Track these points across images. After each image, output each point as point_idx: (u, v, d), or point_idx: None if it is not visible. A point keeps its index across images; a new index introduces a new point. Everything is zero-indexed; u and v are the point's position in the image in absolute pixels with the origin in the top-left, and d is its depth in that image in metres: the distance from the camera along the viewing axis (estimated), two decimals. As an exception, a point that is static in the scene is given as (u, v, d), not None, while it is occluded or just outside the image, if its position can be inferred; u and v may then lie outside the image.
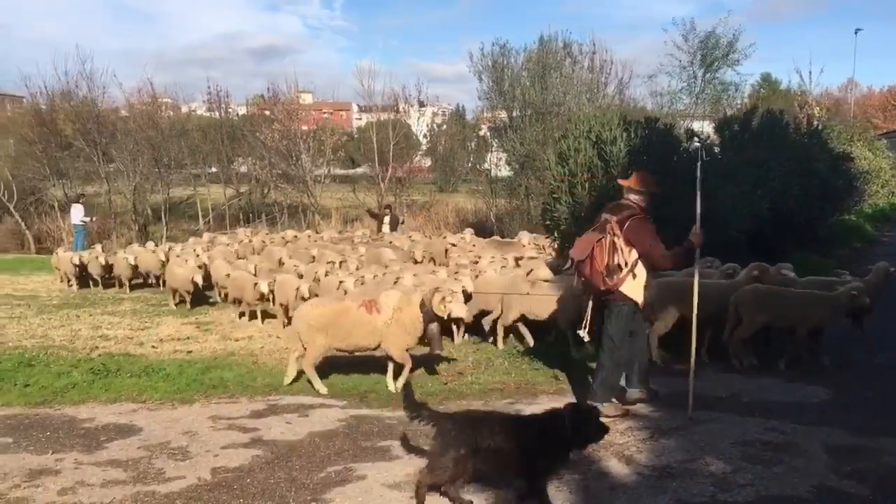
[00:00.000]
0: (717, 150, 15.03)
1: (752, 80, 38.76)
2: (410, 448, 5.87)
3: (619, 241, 6.39)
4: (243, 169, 33.76)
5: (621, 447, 5.89)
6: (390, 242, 15.10)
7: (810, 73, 39.24)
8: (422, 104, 38.45)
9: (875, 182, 22.49)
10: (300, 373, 7.76)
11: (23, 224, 28.71)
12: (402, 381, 7.20)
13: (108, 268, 16.11)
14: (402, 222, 21.38)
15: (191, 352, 9.74)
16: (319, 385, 7.53)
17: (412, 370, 7.62)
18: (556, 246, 10.64)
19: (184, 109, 40.85)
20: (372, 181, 31.65)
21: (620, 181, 6.71)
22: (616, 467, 5.47)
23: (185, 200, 34.03)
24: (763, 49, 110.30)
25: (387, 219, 20.66)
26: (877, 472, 5.33)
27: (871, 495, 4.92)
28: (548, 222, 10.75)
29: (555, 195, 10.46)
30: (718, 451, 5.76)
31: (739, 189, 13.15)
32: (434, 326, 7.48)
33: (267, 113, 33.97)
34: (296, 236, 16.73)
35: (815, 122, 16.65)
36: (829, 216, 15.52)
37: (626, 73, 32.56)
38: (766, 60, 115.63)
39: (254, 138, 32.37)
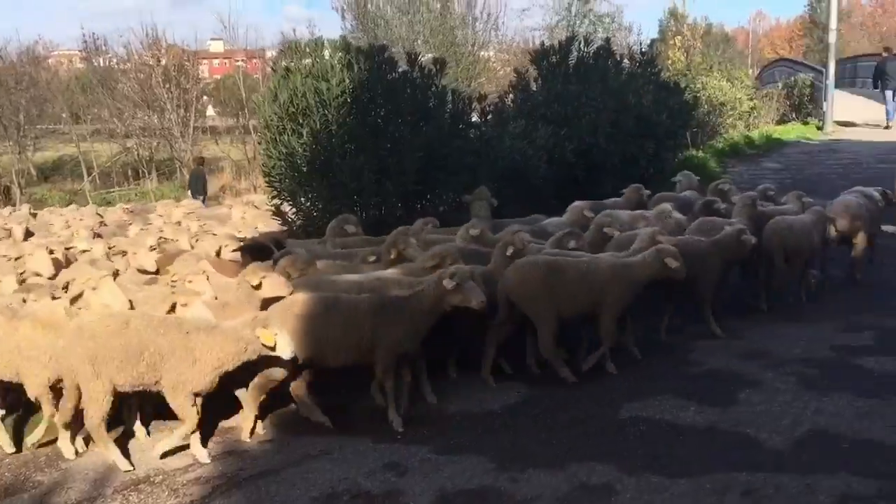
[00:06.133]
0: (534, 85, 13.33)
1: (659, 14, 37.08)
2: None
3: None
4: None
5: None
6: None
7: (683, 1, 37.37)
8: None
9: (731, 115, 21.17)
10: None
11: None
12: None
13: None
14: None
15: None
16: None
17: None
18: (274, 206, 8.60)
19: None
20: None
21: None
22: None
23: (72, 159, 31.03)
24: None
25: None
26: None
27: None
28: (266, 178, 8.76)
29: (261, 144, 8.48)
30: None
31: (546, 130, 11.51)
32: None
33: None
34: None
35: (644, 52, 14.92)
36: (660, 154, 13.90)
37: (500, 8, 30.59)
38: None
39: (105, 90, 29.80)
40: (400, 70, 8.54)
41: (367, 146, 7.98)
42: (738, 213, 7.39)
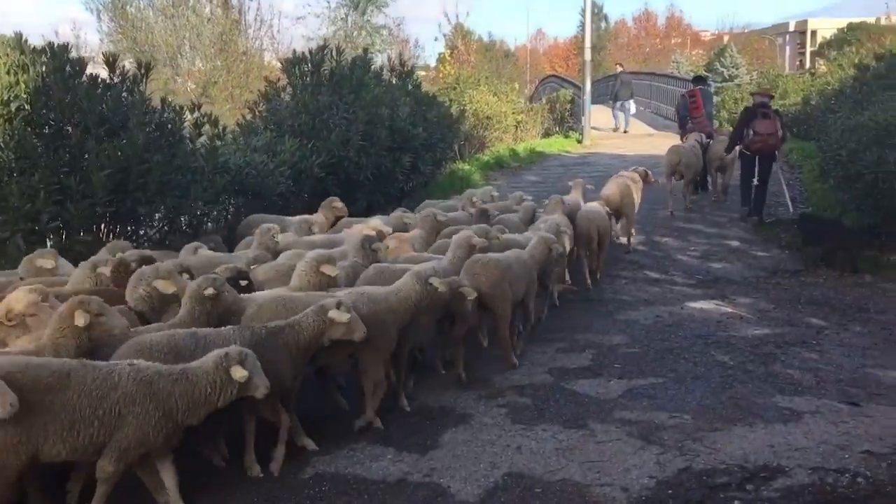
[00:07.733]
0: (286, 95, 12.50)
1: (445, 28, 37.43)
2: None
3: None
4: None
5: None
6: None
7: (457, 15, 38.35)
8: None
9: (497, 128, 21.56)
10: None
11: None
12: None
13: None
14: None
15: None
16: None
17: None
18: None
19: None
20: None
21: None
22: None
23: None
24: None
25: None
26: None
27: None
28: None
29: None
30: None
31: (293, 142, 10.72)
32: None
33: None
34: None
35: (403, 64, 14.59)
36: (419, 167, 13.57)
37: (273, 14, 29.55)
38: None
39: None
40: (89, 74, 7.36)
41: (43, 163, 6.74)
42: (551, 212, 8.08)
